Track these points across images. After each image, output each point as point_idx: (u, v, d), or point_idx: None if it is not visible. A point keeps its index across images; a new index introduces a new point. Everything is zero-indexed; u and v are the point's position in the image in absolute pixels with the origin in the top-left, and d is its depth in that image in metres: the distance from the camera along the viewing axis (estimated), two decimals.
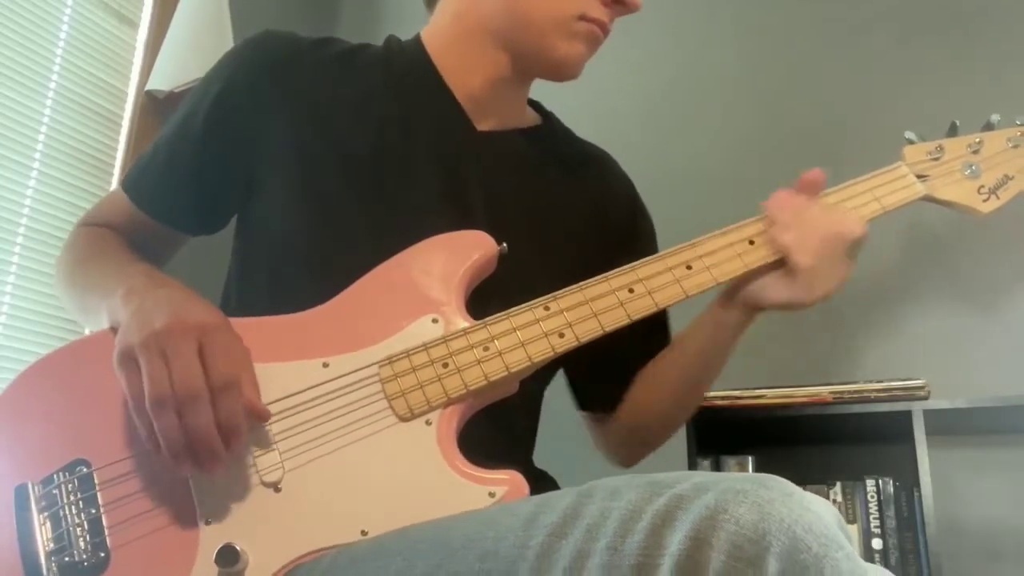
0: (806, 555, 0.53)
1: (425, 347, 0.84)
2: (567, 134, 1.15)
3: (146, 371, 0.74)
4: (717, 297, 1.00)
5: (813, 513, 0.56)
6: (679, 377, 1.06)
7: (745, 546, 0.54)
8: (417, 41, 1.06)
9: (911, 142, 1.04)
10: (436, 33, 1.05)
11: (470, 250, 0.90)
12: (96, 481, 0.79)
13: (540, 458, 1.07)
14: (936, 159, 1.03)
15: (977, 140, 1.04)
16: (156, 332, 0.75)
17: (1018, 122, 1.06)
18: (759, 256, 0.93)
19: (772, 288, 0.94)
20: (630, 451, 1.14)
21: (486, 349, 0.84)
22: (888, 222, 1.93)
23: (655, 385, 1.08)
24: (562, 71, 1.01)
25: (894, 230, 1.95)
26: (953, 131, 1.05)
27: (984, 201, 1.02)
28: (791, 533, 0.54)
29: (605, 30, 0.99)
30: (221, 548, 0.74)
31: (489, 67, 1.01)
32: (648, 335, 1.09)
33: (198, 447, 0.73)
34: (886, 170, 1.01)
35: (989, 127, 1.06)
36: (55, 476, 0.79)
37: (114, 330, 0.84)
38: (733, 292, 0.98)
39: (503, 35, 0.99)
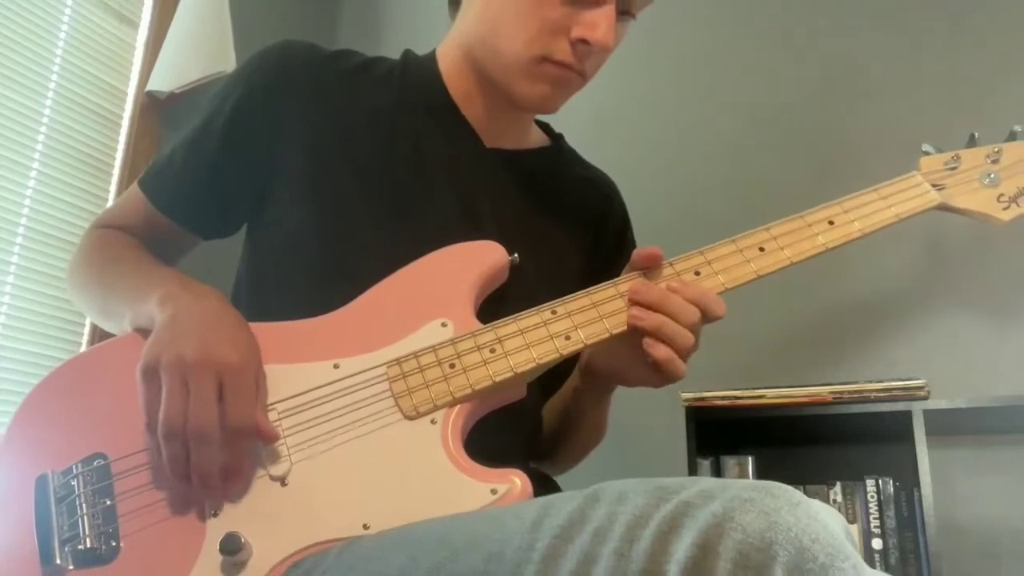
0: (812, 565, 0.53)
1: (433, 348, 0.85)
2: (574, 156, 1.16)
3: (165, 398, 0.77)
4: (579, 369, 1.02)
5: (820, 523, 0.56)
6: (555, 425, 1.09)
7: (751, 555, 0.53)
8: (432, 58, 1.07)
9: (927, 153, 1.04)
10: (446, 54, 1.06)
11: (482, 259, 0.92)
12: (112, 472, 0.81)
13: None
14: (953, 169, 1.02)
15: (996, 150, 1.03)
16: (183, 360, 0.77)
17: None
18: (778, 259, 0.93)
19: (636, 374, 0.92)
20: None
21: (492, 351, 0.85)
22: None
23: (548, 422, 1.10)
24: (528, 108, 1.01)
25: (894, 231, 1.95)
26: (971, 142, 1.04)
27: (1004, 209, 1.00)
28: (798, 543, 0.54)
29: (578, 72, 0.97)
30: (224, 537, 0.74)
31: (483, 93, 1.03)
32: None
33: (197, 480, 0.77)
34: (900, 179, 1.01)
35: (1012, 137, 1.05)
36: (73, 467, 0.81)
37: (139, 330, 0.87)
38: (593, 365, 0.99)
39: (480, 66, 1.00)
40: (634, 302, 0.88)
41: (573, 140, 1.18)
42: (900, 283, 1.93)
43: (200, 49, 1.96)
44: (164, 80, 1.96)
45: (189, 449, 0.76)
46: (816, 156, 2.07)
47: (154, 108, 2.01)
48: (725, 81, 2.24)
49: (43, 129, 1.80)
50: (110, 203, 1.92)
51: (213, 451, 0.76)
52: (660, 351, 0.86)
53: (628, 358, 0.91)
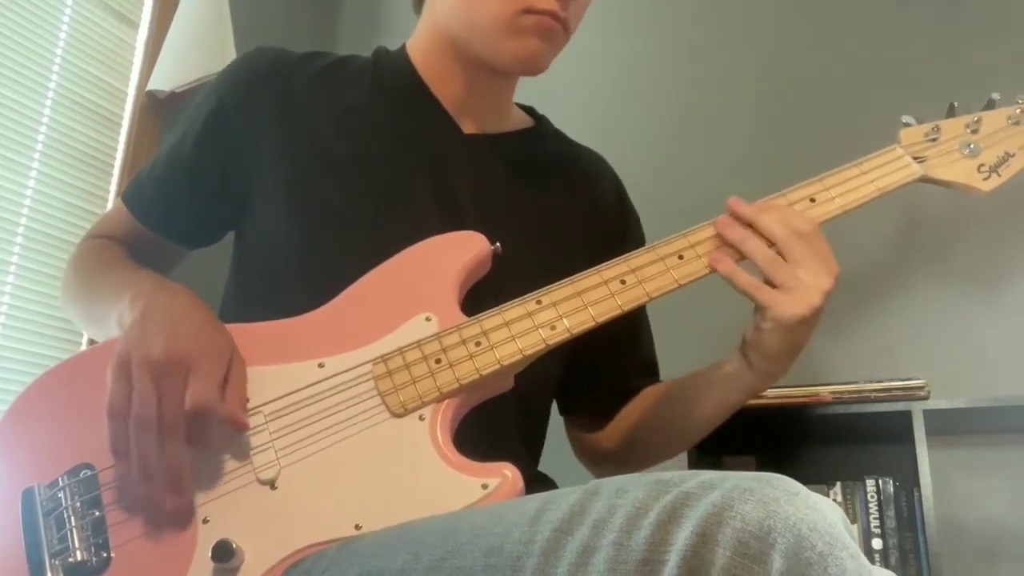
0: (810, 553, 0.54)
1: (418, 344, 0.85)
2: (558, 136, 1.16)
3: (137, 393, 0.77)
4: (734, 359, 0.98)
5: (818, 512, 0.56)
6: (679, 418, 1.05)
7: (751, 543, 0.54)
8: (402, 51, 1.08)
9: (908, 125, 1.03)
10: (417, 43, 1.07)
11: (464, 250, 0.91)
12: (99, 483, 0.81)
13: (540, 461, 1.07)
14: (933, 140, 1.01)
15: (976, 119, 1.02)
16: (151, 357, 0.78)
17: (1019, 100, 1.04)
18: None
19: (776, 309, 0.88)
20: (608, 470, 1.13)
21: (478, 344, 0.84)
22: (889, 221, 1.94)
23: (653, 417, 1.08)
24: (518, 69, 1.00)
25: (895, 230, 1.95)
26: (951, 112, 1.04)
27: (985, 179, 0.99)
28: (796, 531, 0.54)
29: (560, 20, 0.96)
30: (216, 544, 0.74)
31: (462, 73, 1.03)
32: (632, 350, 1.12)
33: (170, 477, 0.77)
34: (881, 153, 1.00)
35: (990, 105, 1.04)
36: (60, 479, 0.81)
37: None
38: (751, 342, 0.94)
39: (460, 42, 1.00)
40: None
41: (568, 129, 1.18)
42: (900, 282, 1.92)
43: (200, 49, 1.96)
44: (164, 80, 1.97)
45: (163, 442, 0.76)
46: (816, 135, 2.08)
47: (154, 108, 2.01)
48: (723, 64, 2.24)
49: (43, 129, 1.81)
50: (110, 203, 1.93)
51: (181, 448, 0.76)
52: (755, 245, 0.89)
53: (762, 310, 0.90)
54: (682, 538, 0.55)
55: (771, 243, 0.90)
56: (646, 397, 1.10)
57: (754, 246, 0.90)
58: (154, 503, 0.77)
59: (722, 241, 0.92)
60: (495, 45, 0.97)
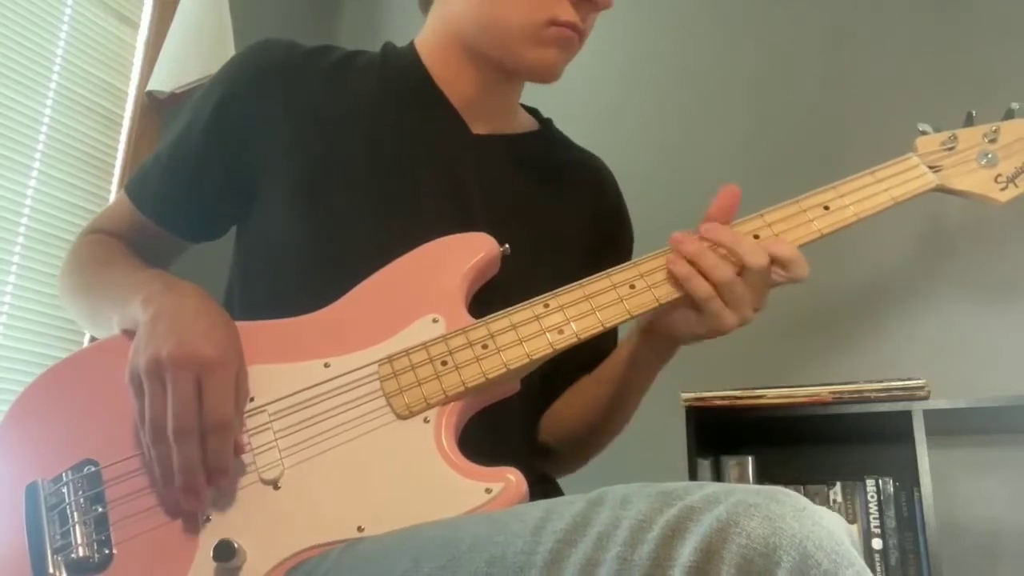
0: (816, 571, 0.53)
1: (424, 346, 0.84)
2: (564, 141, 1.15)
3: (148, 402, 0.77)
4: (634, 332, 0.98)
5: (825, 529, 0.56)
6: (597, 403, 1.05)
7: (755, 560, 0.53)
8: (411, 48, 1.07)
9: (924, 133, 1.01)
10: (426, 41, 1.06)
11: (472, 251, 0.90)
12: (103, 479, 0.80)
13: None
14: (950, 149, 0.99)
15: (994, 129, 1.00)
16: (159, 360, 0.77)
17: None
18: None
19: (684, 324, 0.90)
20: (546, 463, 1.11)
21: (485, 347, 0.84)
22: (888, 223, 1.93)
23: (574, 407, 1.06)
24: (534, 77, 1.01)
25: (895, 230, 1.95)
26: (969, 121, 1.02)
27: (1002, 190, 0.98)
28: (802, 548, 0.54)
29: (579, 31, 0.97)
30: (218, 543, 0.74)
31: (474, 74, 1.02)
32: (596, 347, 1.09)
33: (182, 481, 0.77)
34: (896, 161, 0.98)
35: (1009, 115, 1.02)
36: (64, 475, 0.81)
37: (126, 332, 0.87)
38: (650, 327, 0.95)
39: (476, 45, 1.00)
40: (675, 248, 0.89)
41: (569, 129, 1.18)
42: (901, 283, 1.92)
43: (200, 49, 1.96)
44: (165, 80, 1.97)
45: (175, 447, 0.76)
46: (818, 139, 2.07)
47: (154, 108, 2.01)
48: (726, 66, 2.25)
49: (44, 129, 1.81)
50: (111, 202, 1.93)
51: (194, 448, 0.76)
52: (697, 286, 0.86)
53: (680, 309, 0.89)
54: (686, 554, 0.55)
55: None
56: (575, 387, 1.08)
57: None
58: (172, 505, 0.78)
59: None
60: (516, 52, 0.97)
